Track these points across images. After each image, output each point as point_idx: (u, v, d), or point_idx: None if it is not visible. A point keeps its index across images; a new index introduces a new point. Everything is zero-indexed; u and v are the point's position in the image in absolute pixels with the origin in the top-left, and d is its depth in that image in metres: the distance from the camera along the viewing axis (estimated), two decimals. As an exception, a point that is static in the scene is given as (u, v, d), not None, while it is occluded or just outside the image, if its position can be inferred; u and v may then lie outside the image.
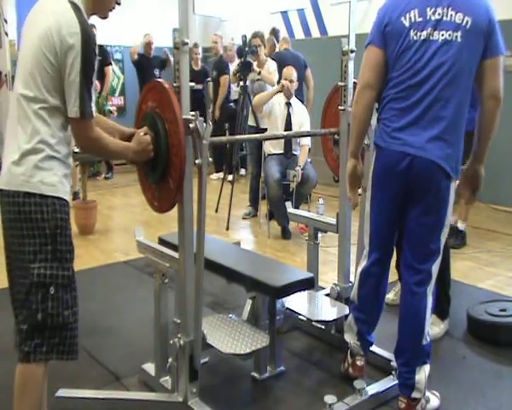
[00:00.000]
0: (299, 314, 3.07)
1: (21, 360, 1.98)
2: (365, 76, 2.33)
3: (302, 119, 5.26)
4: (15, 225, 1.87)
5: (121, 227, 5.58)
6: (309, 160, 5.31)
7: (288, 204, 5.05)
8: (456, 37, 2.17)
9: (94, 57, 1.84)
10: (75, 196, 5.95)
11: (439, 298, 3.11)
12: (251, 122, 5.88)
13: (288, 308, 2.99)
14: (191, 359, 2.33)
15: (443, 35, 2.17)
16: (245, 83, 5.65)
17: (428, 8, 2.18)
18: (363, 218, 2.57)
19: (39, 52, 1.82)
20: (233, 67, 6.88)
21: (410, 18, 2.21)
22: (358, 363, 2.63)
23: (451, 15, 2.17)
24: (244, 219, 5.78)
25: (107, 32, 7.67)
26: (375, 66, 2.31)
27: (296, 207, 4.90)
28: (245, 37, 5.72)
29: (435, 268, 2.36)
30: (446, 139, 2.21)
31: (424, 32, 2.18)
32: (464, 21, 2.16)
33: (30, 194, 1.84)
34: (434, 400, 2.46)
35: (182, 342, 2.32)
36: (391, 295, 3.51)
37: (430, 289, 2.37)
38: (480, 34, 2.18)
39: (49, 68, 1.82)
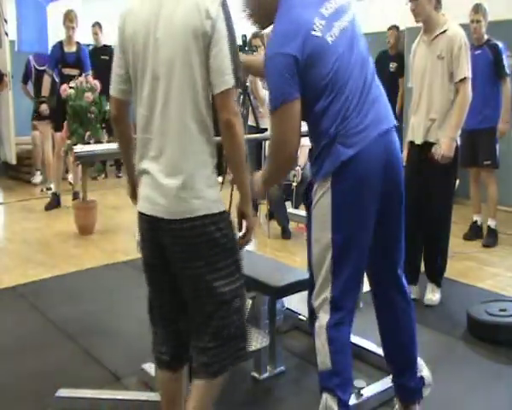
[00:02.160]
0: (299, 314, 3.07)
1: (202, 378, 1.91)
2: (293, 143, 1.97)
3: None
4: (192, 250, 1.80)
5: (121, 227, 5.58)
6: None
7: (288, 204, 5.07)
8: (348, 17, 2.06)
9: (232, 19, 1.76)
10: (75, 196, 5.96)
11: (440, 268, 3.63)
12: (251, 122, 5.88)
13: (288, 308, 2.99)
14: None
15: (342, 24, 2.02)
16: (245, 83, 5.65)
17: (323, 9, 2.01)
18: (317, 259, 2.08)
19: (189, 51, 1.71)
20: None
21: (319, 25, 1.95)
22: None
23: (335, 2, 2.04)
24: (244, 219, 5.77)
25: (107, 32, 7.70)
26: (299, 124, 1.97)
27: (296, 207, 4.91)
28: (245, 37, 5.71)
29: None
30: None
31: (334, 31, 1.98)
32: (348, 2, 2.09)
33: (207, 215, 1.78)
34: (425, 370, 2.39)
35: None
36: None
37: None
38: (352, 8, 2.11)
39: (203, 57, 1.72)
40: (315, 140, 2.06)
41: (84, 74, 5.62)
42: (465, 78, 3.36)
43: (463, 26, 4.85)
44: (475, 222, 5.07)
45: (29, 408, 2.54)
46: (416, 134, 3.52)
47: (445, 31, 3.40)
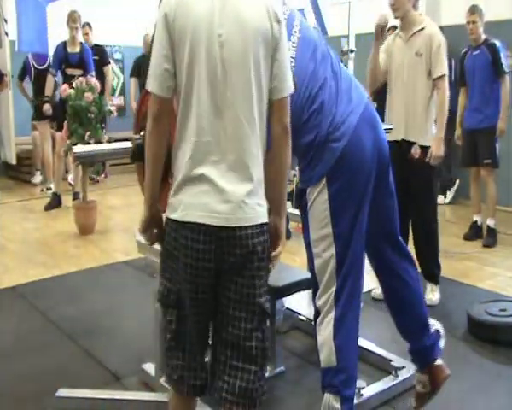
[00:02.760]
0: (299, 314, 3.07)
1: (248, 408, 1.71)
2: None
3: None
4: (247, 259, 1.66)
5: (121, 227, 5.58)
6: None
7: (288, 204, 5.06)
8: (297, 25, 2.07)
9: None
10: (75, 196, 5.96)
11: (435, 266, 3.66)
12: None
13: (288, 308, 2.99)
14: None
15: (294, 37, 2.04)
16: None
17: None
18: (320, 261, 2.09)
19: (258, 53, 1.63)
20: None
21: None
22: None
23: (289, 13, 2.07)
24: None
25: (107, 32, 7.70)
26: None
27: (296, 207, 4.90)
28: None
29: None
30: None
31: (291, 53, 2.00)
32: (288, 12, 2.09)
33: (264, 223, 1.69)
34: (436, 323, 2.46)
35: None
36: (378, 290, 3.51)
37: None
38: (296, 13, 2.14)
39: (268, 61, 1.65)
40: (304, 152, 2.07)
41: (88, 75, 5.63)
42: (444, 75, 3.42)
43: (461, 26, 4.88)
44: (475, 222, 5.07)
45: (29, 408, 2.54)
46: (394, 132, 3.52)
47: (422, 28, 3.44)
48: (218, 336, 1.74)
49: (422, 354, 2.39)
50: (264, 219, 1.69)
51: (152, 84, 1.65)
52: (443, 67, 3.42)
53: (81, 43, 6.18)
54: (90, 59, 6.16)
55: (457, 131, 5.12)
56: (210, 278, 1.67)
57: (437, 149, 3.40)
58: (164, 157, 1.73)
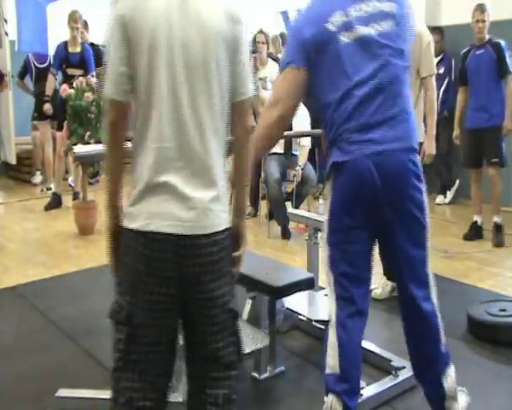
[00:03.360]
0: (299, 314, 3.07)
1: None
2: (284, 105, 2.05)
3: (303, 119, 5.25)
4: (215, 267, 1.61)
5: (121, 227, 5.58)
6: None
7: (288, 204, 5.07)
8: (385, 25, 2.01)
9: None
10: (75, 196, 5.96)
11: None
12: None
13: (288, 308, 2.99)
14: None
15: (371, 30, 1.99)
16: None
17: (354, 9, 1.98)
18: (324, 257, 2.15)
19: (219, 56, 1.59)
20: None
21: (337, 21, 1.97)
22: None
23: (376, 6, 2.00)
24: (244, 219, 5.77)
25: (106, 31, 7.66)
26: (296, 93, 2.05)
27: (296, 207, 4.91)
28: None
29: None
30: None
31: (355, 33, 1.97)
32: (393, 9, 2.03)
33: (227, 229, 1.64)
34: (462, 398, 2.28)
35: (181, 342, 2.31)
36: (378, 291, 3.50)
37: (434, 291, 2.14)
38: (406, 20, 2.07)
39: (228, 63, 1.62)
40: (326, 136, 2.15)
41: (89, 75, 5.64)
42: (433, 74, 3.46)
43: (461, 26, 4.88)
44: (475, 222, 5.06)
45: (29, 408, 2.54)
46: None
47: None
48: (191, 355, 1.71)
49: (423, 389, 2.24)
50: (228, 224, 1.65)
51: (108, 88, 1.58)
52: (432, 66, 3.45)
53: (82, 43, 6.18)
54: (91, 59, 6.16)
55: (456, 131, 5.12)
56: (173, 288, 1.60)
57: (430, 148, 3.44)
58: (124, 165, 1.65)
